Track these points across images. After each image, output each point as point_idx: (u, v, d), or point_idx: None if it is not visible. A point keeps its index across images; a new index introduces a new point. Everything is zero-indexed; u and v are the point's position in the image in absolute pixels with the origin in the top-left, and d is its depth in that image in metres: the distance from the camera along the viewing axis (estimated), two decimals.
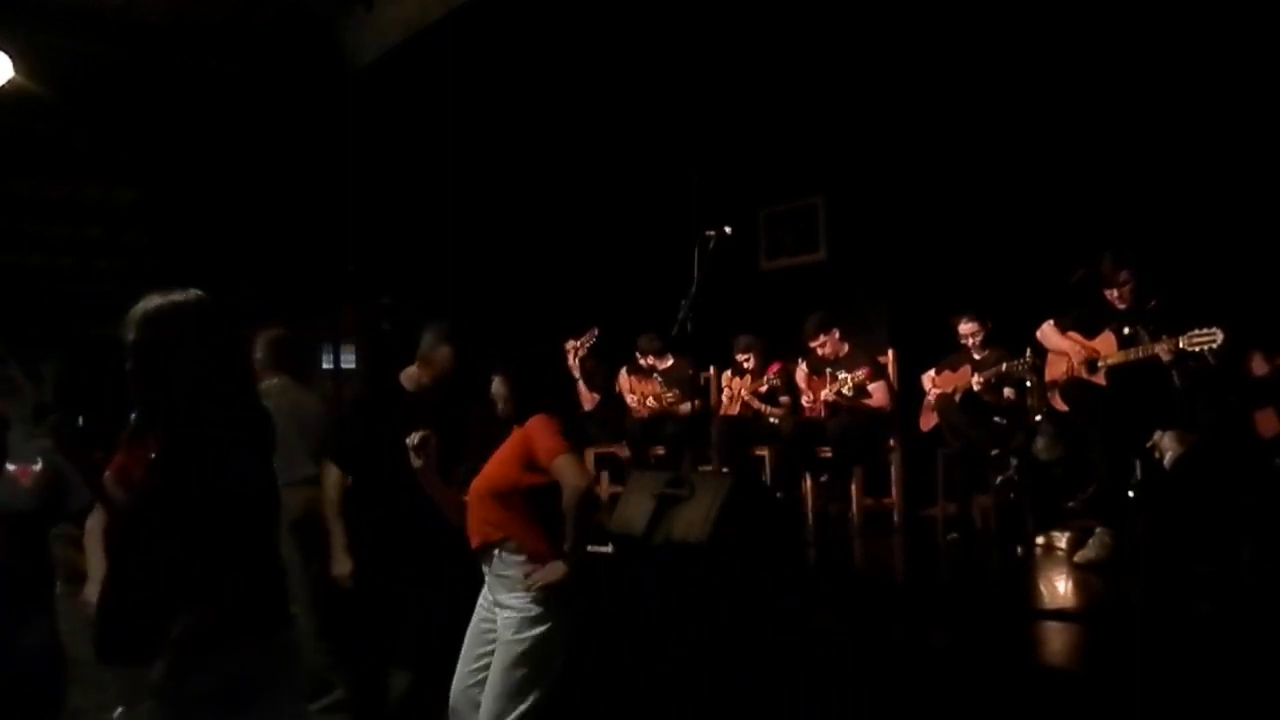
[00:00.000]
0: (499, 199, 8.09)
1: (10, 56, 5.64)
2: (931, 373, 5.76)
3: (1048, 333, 4.68)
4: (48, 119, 7.03)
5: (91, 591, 3.02)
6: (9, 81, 5.75)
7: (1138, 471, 4.51)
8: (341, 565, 3.58)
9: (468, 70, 6.76)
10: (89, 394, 5.97)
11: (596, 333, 6.45)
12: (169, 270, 9.93)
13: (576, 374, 6.41)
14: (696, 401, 5.72)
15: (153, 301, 1.96)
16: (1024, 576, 4.46)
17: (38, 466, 2.86)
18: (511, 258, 8.14)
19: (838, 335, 5.85)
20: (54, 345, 9.95)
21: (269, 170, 7.91)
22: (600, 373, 6.59)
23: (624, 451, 6.25)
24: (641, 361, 6.42)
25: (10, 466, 2.79)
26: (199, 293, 2.01)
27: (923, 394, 5.80)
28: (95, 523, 3.08)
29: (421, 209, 8.19)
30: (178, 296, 1.97)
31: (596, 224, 7.86)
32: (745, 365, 6.16)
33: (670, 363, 6.32)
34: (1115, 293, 4.32)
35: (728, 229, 4.70)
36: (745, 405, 6.15)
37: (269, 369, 3.93)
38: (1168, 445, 4.37)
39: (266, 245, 8.98)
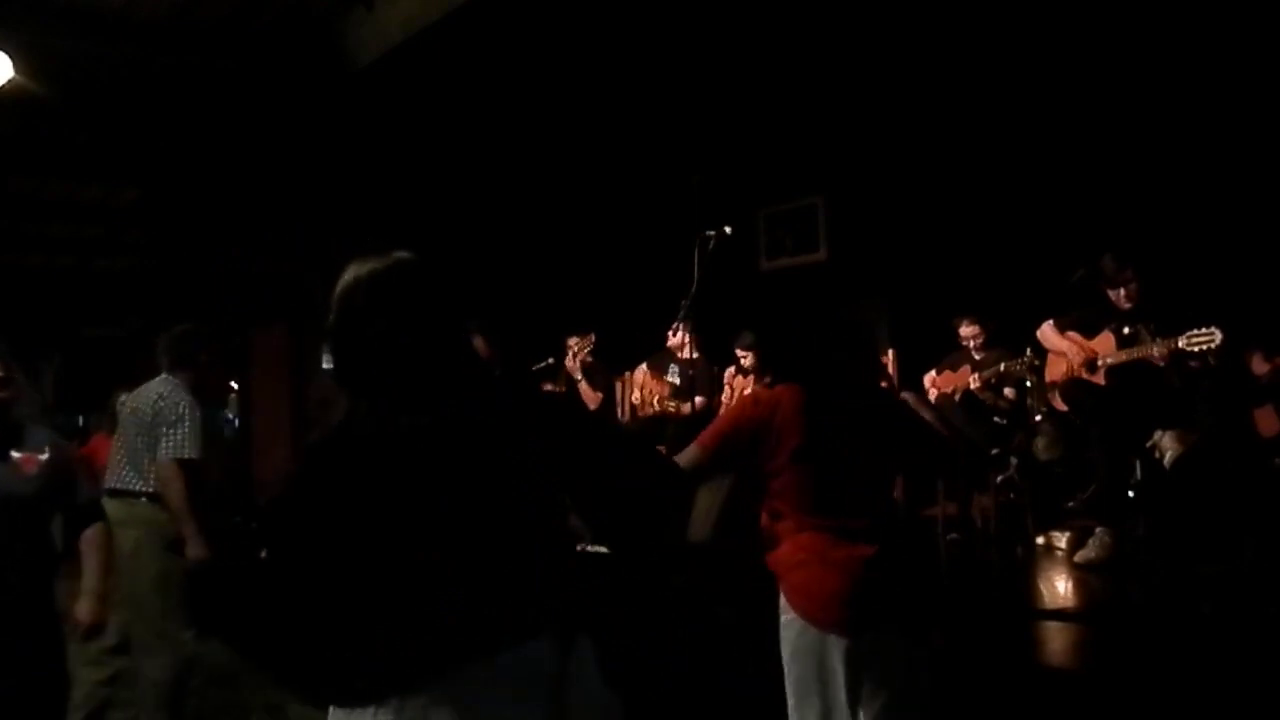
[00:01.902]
0: (499, 199, 8.09)
1: (10, 56, 5.64)
2: (932, 373, 5.76)
3: (1047, 333, 4.68)
4: (48, 119, 7.03)
5: (83, 609, 2.97)
6: (9, 81, 5.74)
7: (1138, 471, 4.51)
8: None
9: (468, 70, 6.76)
10: (89, 394, 5.97)
11: (594, 338, 6.42)
12: (169, 270, 9.95)
13: (578, 375, 6.41)
14: (699, 399, 5.71)
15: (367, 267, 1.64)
16: (1024, 576, 4.46)
17: (44, 455, 2.82)
18: (512, 258, 8.14)
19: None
20: (54, 345, 9.97)
21: (269, 170, 7.91)
22: (603, 373, 6.58)
23: None
24: (671, 337, 6.27)
25: (15, 454, 2.76)
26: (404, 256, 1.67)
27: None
28: (94, 533, 3.03)
29: (421, 209, 8.19)
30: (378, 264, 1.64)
31: (597, 224, 7.86)
32: (745, 363, 6.16)
33: (696, 355, 6.23)
34: (1120, 292, 4.32)
35: (728, 229, 4.71)
36: None
37: (163, 366, 3.86)
38: (1168, 445, 4.38)
39: (266, 245, 8.99)
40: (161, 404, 3.69)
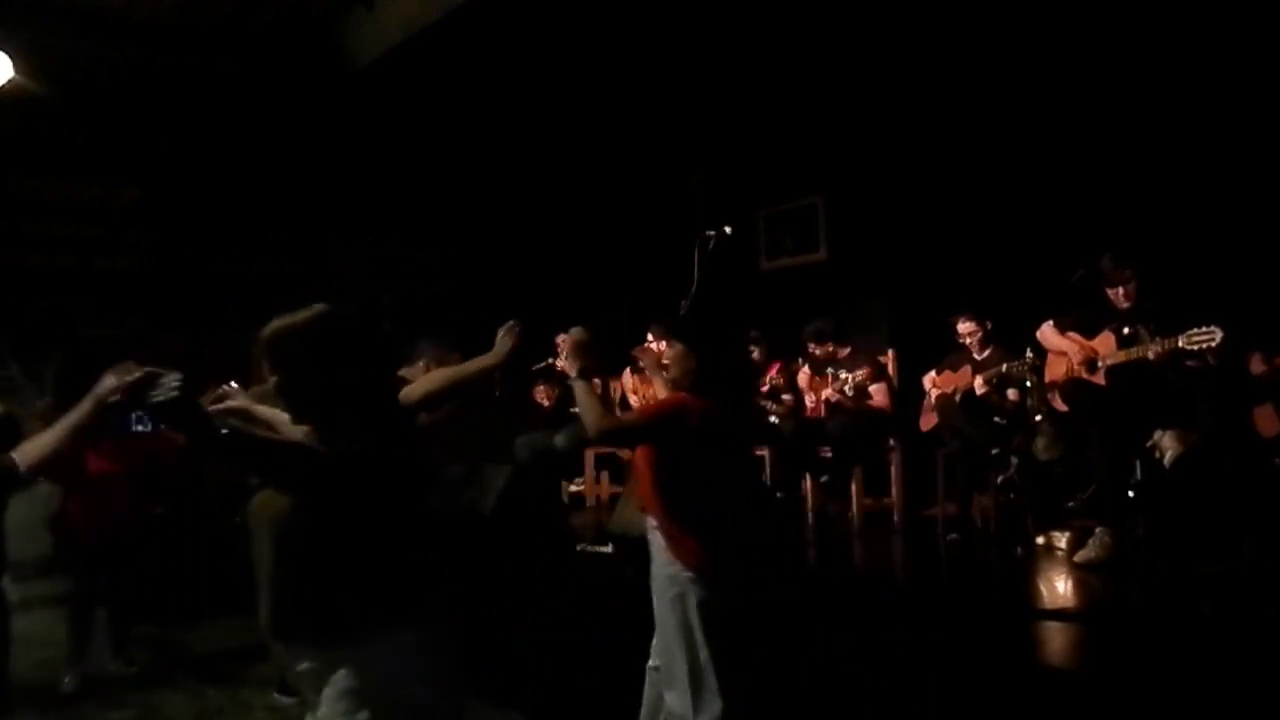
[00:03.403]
0: (499, 199, 8.09)
1: (10, 56, 5.64)
2: (933, 374, 5.75)
3: (1047, 333, 4.68)
4: (48, 119, 7.03)
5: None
6: (9, 81, 5.75)
7: (1138, 471, 4.51)
8: None
9: (468, 70, 6.76)
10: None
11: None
12: (169, 270, 9.94)
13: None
14: None
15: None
16: (1024, 576, 4.46)
17: None
18: (512, 258, 8.13)
19: (831, 347, 5.86)
20: (54, 345, 9.96)
21: (269, 170, 7.90)
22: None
23: (624, 452, 6.25)
24: (647, 347, 6.35)
25: None
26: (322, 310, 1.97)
27: (923, 394, 5.80)
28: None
29: (421, 209, 8.19)
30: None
31: (597, 224, 7.86)
32: (753, 356, 6.15)
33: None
34: (1119, 291, 4.33)
35: (728, 229, 4.69)
36: None
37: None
38: (1168, 445, 4.38)
39: (265, 245, 8.99)
40: None
